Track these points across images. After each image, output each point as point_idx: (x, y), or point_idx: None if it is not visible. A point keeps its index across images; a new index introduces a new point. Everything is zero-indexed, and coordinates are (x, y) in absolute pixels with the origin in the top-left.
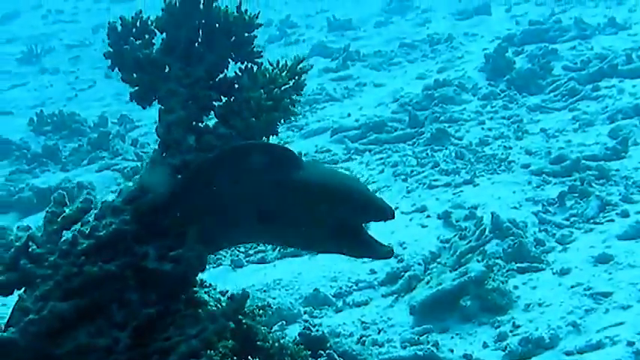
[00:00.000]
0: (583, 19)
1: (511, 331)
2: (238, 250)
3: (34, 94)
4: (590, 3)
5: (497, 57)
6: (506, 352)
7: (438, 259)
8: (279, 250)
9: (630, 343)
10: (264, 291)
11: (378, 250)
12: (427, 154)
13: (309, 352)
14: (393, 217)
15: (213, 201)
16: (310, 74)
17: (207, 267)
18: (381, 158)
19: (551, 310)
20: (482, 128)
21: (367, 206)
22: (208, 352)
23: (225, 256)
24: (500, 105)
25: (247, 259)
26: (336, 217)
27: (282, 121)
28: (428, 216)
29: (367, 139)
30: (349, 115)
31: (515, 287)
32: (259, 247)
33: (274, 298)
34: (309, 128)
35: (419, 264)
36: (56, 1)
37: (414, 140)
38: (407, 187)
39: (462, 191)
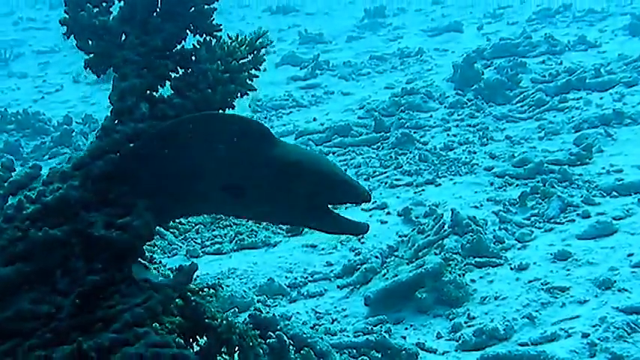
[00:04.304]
0: (554, 36)
1: (465, 323)
2: (194, 241)
3: (0, 96)
4: (561, 24)
5: (465, 67)
6: (460, 342)
7: (396, 253)
8: (236, 242)
9: (585, 335)
10: (219, 279)
11: (354, 226)
12: (391, 156)
13: (258, 332)
14: (369, 200)
15: (172, 168)
16: (278, 82)
17: (162, 257)
18: (345, 160)
19: (507, 303)
20: (448, 134)
21: (343, 187)
22: (154, 324)
23: (180, 246)
24: (467, 113)
25: (203, 249)
26: (311, 196)
27: (239, 94)
28: (388, 213)
29: (332, 142)
30: (315, 119)
31: (472, 281)
32: (215, 239)
33: (228, 286)
34: (273, 131)
35: (376, 257)
36: (28, 8)
37: (379, 144)
38: (368, 186)
39: (423, 190)
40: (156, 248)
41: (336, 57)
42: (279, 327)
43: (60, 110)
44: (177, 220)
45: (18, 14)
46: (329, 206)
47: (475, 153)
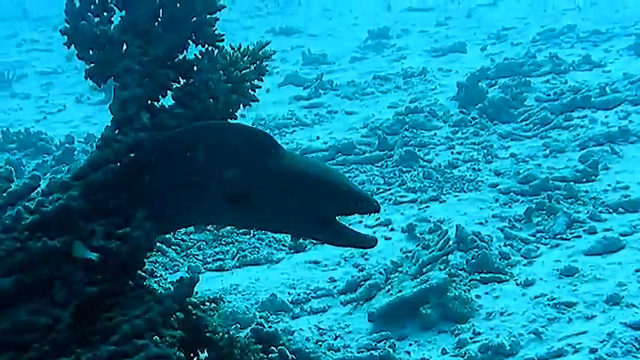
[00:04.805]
0: (558, 56)
1: (471, 339)
2: (196, 258)
3: (2, 116)
4: (565, 44)
5: (469, 86)
6: (465, 358)
7: (400, 269)
8: (238, 259)
9: (593, 350)
10: (220, 295)
11: (362, 239)
12: (395, 174)
13: (260, 347)
14: (379, 211)
15: (175, 177)
16: (281, 101)
17: (163, 273)
18: (348, 177)
19: (514, 318)
20: (452, 152)
21: (352, 197)
22: (154, 337)
23: (182, 263)
24: (471, 131)
25: (205, 266)
26: (319, 206)
27: (241, 105)
28: (392, 229)
29: (335, 160)
30: (318, 138)
31: (478, 297)
32: (217, 256)
33: (230, 302)
34: None
35: (380, 273)
36: (31, 31)
37: (383, 162)
38: None
39: (427, 207)
40: (157, 265)
41: (340, 77)
42: (281, 342)
43: (62, 130)
44: (179, 237)
45: (21, 36)
46: (337, 218)
47: (480, 170)
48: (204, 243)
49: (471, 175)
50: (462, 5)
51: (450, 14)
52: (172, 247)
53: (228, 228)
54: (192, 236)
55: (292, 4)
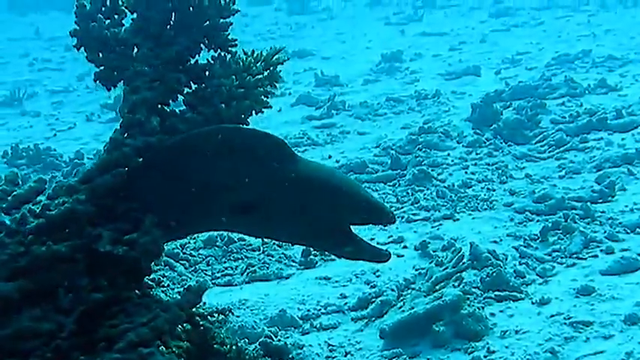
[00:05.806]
0: (573, 79)
1: (485, 357)
2: (205, 273)
3: (12, 133)
4: (580, 69)
5: (484, 106)
6: None
7: (412, 285)
8: (247, 274)
9: None
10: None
11: (376, 252)
12: (407, 193)
13: None
14: (394, 221)
15: (185, 183)
16: (293, 120)
17: (172, 286)
18: None
19: (529, 337)
20: (466, 172)
21: (367, 206)
22: (161, 348)
23: (190, 278)
24: (486, 152)
25: (213, 281)
26: (332, 215)
27: (253, 112)
28: (405, 246)
29: None
30: (330, 157)
31: (492, 314)
32: (226, 271)
33: (238, 317)
34: None
35: (392, 290)
36: (44, 50)
37: (395, 181)
38: None
39: (441, 224)
40: (165, 279)
41: (352, 99)
42: (290, 356)
43: (72, 147)
44: (187, 252)
45: (33, 55)
46: (351, 228)
47: (494, 190)
48: (213, 258)
49: (485, 195)
50: (476, 30)
51: (464, 39)
52: (181, 261)
53: (238, 244)
54: (200, 251)
55: (305, 27)
